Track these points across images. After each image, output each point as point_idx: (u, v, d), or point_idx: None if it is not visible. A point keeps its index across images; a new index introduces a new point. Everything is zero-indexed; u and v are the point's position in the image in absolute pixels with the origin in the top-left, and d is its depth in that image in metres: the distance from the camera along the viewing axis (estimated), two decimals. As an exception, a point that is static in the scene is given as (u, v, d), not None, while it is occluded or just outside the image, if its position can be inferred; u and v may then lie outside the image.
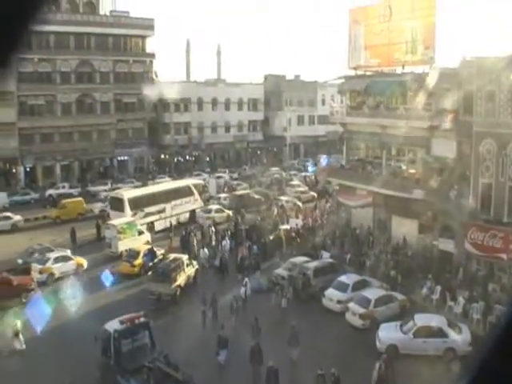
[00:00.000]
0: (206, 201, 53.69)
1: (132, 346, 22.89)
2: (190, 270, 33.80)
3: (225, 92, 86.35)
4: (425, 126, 35.06)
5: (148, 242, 41.61)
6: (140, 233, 42.06)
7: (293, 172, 74.34)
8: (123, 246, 39.48)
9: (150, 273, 33.26)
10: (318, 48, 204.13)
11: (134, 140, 76.06)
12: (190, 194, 51.16)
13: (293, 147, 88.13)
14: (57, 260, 35.79)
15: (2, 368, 23.45)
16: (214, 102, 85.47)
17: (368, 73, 44.06)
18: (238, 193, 58.21)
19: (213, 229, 43.03)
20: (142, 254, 36.30)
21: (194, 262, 35.04)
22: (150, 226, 45.24)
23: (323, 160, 76.30)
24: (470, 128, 31.45)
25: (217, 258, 36.84)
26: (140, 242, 40.39)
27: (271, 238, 40.72)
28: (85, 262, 37.19)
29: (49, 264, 35.14)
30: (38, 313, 27.88)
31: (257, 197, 55.66)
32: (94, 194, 61.69)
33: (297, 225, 43.36)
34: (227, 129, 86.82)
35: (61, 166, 70.47)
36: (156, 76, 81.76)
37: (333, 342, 26.07)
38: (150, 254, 36.34)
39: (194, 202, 51.35)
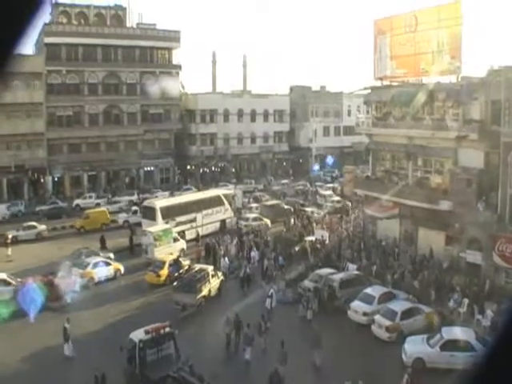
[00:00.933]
0: (236, 211, 54.01)
1: (157, 356, 22.98)
2: (215, 281, 33.84)
3: (251, 103, 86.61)
4: (452, 136, 34.77)
5: (183, 249, 42.91)
6: (175, 240, 42.90)
7: (318, 183, 74.28)
8: (159, 252, 40.21)
9: (175, 283, 33.34)
10: (343, 59, 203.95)
11: (160, 151, 76.69)
12: (221, 203, 51.73)
13: (319, 158, 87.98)
14: (96, 265, 36.90)
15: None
16: (240, 113, 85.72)
17: (394, 83, 43.89)
18: (269, 203, 58.84)
19: (236, 241, 43.11)
20: (167, 265, 36.50)
21: (219, 273, 35.13)
22: (181, 235, 45.54)
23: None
24: (497, 138, 31.09)
25: (242, 268, 36.79)
26: (175, 249, 41.63)
27: (297, 249, 40.62)
28: (122, 267, 38.20)
29: (89, 268, 36.24)
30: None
31: (287, 207, 56.23)
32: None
33: (322, 236, 43.12)
34: (253, 140, 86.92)
35: (88, 176, 71.36)
36: (182, 87, 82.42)
37: (358, 355, 25.84)
38: (176, 264, 36.52)
39: (225, 212, 51.90)
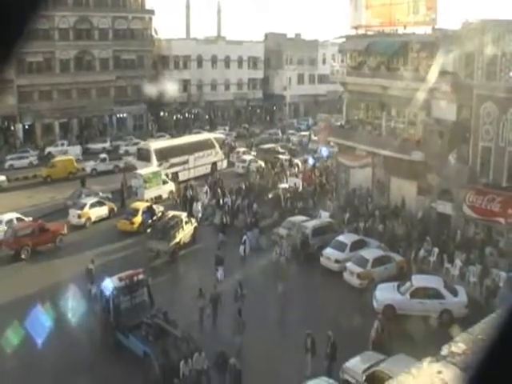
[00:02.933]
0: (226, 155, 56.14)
1: (131, 303, 23.27)
2: (189, 228, 33.96)
3: (225, 50, 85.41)
4: (425, 87, 34.79)
5: (172, 191, 44.60)
6: (164, 182, 44.61)
7: (291, 131, 74.14)
8: (149, 194, 42.22)
9: (148, 230, 33.42)
10: (319, 6, 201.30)
11: (133, 98, 75.56)
12: (212, 147, 53.69)
13: (293, 106, 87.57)
14: (93, 205, 38.51)
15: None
16: (214, 60, 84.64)
17: (369, 33, 43.55)
18: (265, 146, 60.71)
19: (206, 188, 43.07)
20: (140, 212, 36.47)
21: (193, 220, 35.24)
22: (174, 177, 47.16)
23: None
24: (470, 91, 31.27)
25: (216, 215, 36.93)
26: (164, 191, 44.12)
27: (270, 196, 40.81)
28: (115, 207, 39.81)
29: (86, 209, 37.83)
30: None
31: (281, 150, 58.17)
32: (93, 151, 61.55)
33: (295, 184, 43.37)
34: (227, 87, 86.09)
35: (60, 124, 70.06)
36: (156, 33, 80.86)
37: (330, 302, 26.42)
38: (149, 211, 36.48)
39: (216, 155, 53.89)
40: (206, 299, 24.34)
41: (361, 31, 43.89)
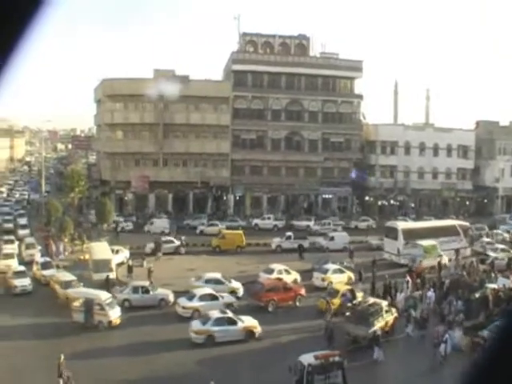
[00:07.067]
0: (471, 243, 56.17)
1: (324, 383, 23.04)
2: (389, 317, 33.01)
3: (433, 137, 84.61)
4: None
5: (440, 266, 46.17)
6: (439, 255, 47.88)
7: (504, 227, 69.05)
8: (426, 263, 46.36)
9: (347, 313, 33.07)
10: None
11: (339, 179, 77.38)
12: (456, 233, 54.57)
13: (505, 200, 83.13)
14: (334, 271, 43.17)
15: None
16: (422, 147, 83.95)
17: None
18: None
19: (408, 279, 41.78)
20: (340, 294, 36.40)
21: (393, 310, 34.20)
22: None
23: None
24: None
25: (417, 309, 35.50)
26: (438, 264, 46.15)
27: (477, 295, 38.39)
28: (353, 276, 43.34)
29: (328, 274, 42.58)
30: None
31: None
32: (297, 228, 63.29)
33: (505, 285, 40.35)
34: (434, 175, 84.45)
35: (267, 198, 74.11)
36: (363, 117, 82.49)
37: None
38: (350, 294, 36.23)
39: (460, 242, 54.35)
40: None
41: None
